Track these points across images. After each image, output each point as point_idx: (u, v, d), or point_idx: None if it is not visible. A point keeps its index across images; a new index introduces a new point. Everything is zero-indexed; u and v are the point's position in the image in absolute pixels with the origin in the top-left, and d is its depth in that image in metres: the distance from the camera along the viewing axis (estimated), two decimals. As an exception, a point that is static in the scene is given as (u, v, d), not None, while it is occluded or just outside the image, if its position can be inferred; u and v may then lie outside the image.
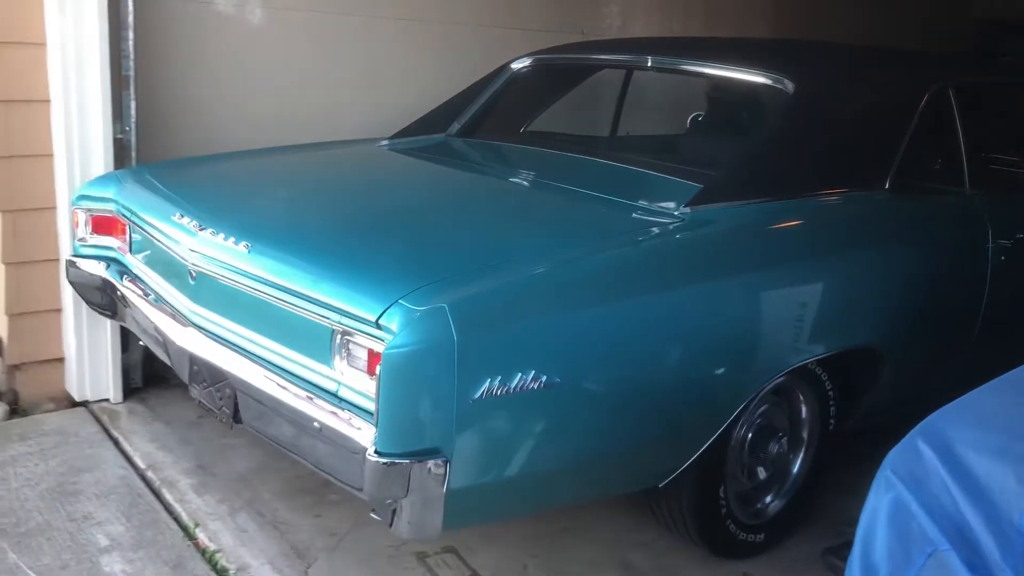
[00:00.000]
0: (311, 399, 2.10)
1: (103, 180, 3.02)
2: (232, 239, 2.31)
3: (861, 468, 2.95)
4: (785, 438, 2.61)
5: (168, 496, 2.79)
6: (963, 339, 2.95)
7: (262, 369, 2.24)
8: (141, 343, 2.97)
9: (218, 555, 2.51)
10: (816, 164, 2.70)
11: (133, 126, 3.30)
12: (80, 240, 2.98)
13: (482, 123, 3.47)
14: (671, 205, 2.43)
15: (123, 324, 2.98)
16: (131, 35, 3.25)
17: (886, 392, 2.72)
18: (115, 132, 3.24)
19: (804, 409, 2.65)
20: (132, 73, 3.27)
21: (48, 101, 3.21)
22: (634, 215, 2.50)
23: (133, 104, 3.29)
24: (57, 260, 3.26)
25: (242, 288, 2.28)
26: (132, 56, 3.26)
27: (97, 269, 2.93)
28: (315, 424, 2.04)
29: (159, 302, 2.65)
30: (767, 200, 2.53)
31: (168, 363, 2.64)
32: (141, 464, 2.97)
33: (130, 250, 2.90)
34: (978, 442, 1.42)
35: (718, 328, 2.24)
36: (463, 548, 2.56)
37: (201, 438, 3.14)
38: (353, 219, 2.56)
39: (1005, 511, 1.32)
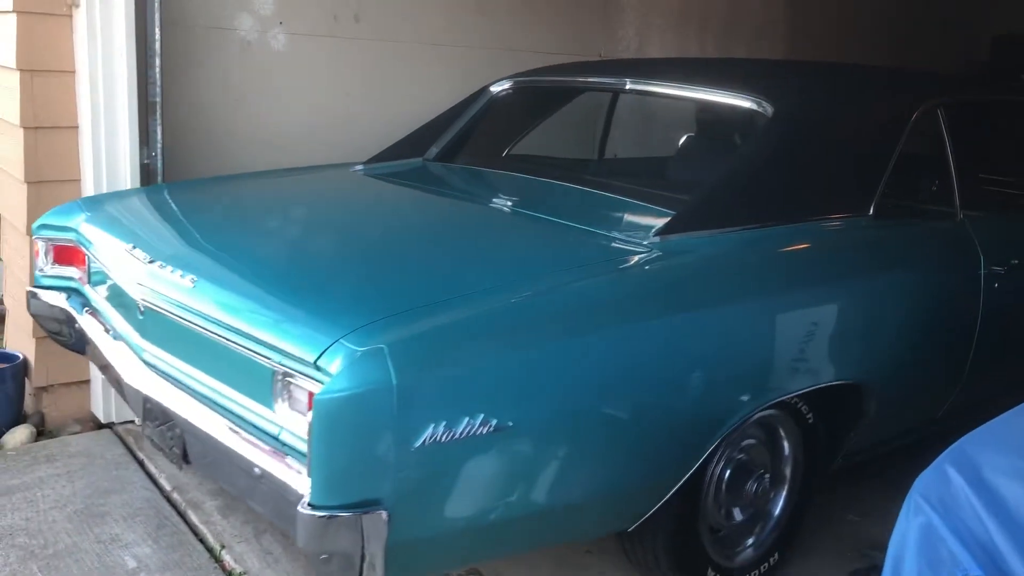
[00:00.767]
0: (253, 444, 2.00)
1: (64, 209, 2.91)
2: (179, 272, 2.22)
3: (886, 491, 2.96)
4: (767, 476, 2.49)
5: (194, 518, 2.82)
6: (954, 372, 2.84)
7: (207, 410, 2.15)
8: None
9: (244, 577, 2.53)
10: (795, 189, 2.58)
11: (159, 151, 3.35)
12: (40, 271, 2.87)
13: (461, 147, 3.39)
14: (641, 234, 2.33)
15: (86, 357, 2.88)
16: (158, 61, 3.31)
17: (871, 429, 2.62)
18: (142, 157, 3.29)
19: (787, 446, 2.55)
20: (159, 99, 3.33)
21: (77, 127, 3.27)
22: (601, 246, 2.38)
23: (159, 129, 3.34)
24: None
25: (187, 324, 2.17)
26: (159, 82, 3.32)
27: (58, 300, 2.82)
28: (256, 470, 1.95)
29: (116, 337, 2.55)
30: (742, 228, 2.42)
31: (125, 400, 2.55)
32: (167, 486, 3.00)
33: (89, 281, 2.79)
34: (1007, 467, 1.42)
35: (685, 364, 2.13)
36: (488, 570, 2.57)
37: (225, 459, 3.17)
38: (307, 251, 2.47)
39: (1035, 537, 1.32)
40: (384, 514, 1.72)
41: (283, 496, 1.85)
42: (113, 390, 3.12)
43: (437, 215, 2.90)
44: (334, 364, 1.73)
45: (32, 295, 2.88)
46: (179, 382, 2.26)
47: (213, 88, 3.66)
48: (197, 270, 2.22)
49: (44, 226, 2.87)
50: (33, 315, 2.94)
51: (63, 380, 3.42)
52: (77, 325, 2.74)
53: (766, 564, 2.57)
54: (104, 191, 3.22)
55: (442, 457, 1.77)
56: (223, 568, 2.58)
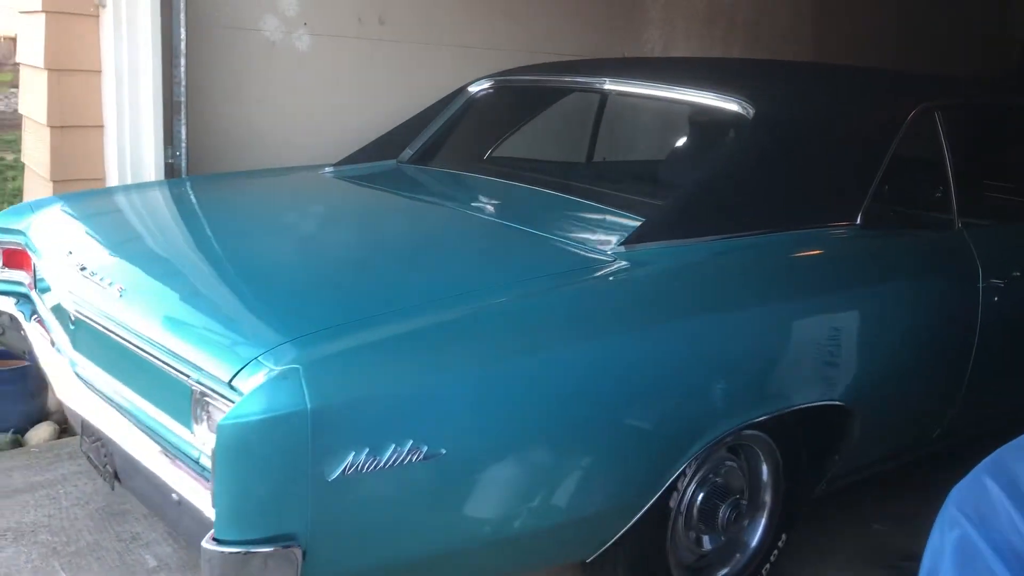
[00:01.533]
0: (174, 467, 1.85)
1: (15, 210, 2.80)
2: (107, 281, 2.10)
3: (913, 500, 2.91)
4: (743, 502, 2.31)
5: (214, 517, 2.81)
6: (949, 392, 2.67)
7: (134, 429, 2.00)
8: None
9: (264, 578, 2.52)
10: (775, 196, 2.41)
11: (184, 151, 3.36)
12: None
13: (437, 149, 3.24)
14: (605, 244, 2.18)
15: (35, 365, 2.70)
16: (183, 62, 3.32)
17: (858, 451, 2.46)
18: (166, 157, 3.31)
19: (765, 470, 2.37)
20: (183, 99, 3.34)
21: (102, 127, 3.29)
22: (561, 256, 2.21)
23: (184, 129, 3.36)
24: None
25: (113, 337, 2.04)
26: (183, 82, 3.33)
27: (6, 306, 2.67)
28: (174, 496, 1.81)
29: (56, 348, 2.40)
30: (714, 238, 2.25)
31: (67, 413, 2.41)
32: (187, 485, 2.99)
33: (36, 287, 2.61)
34: (1047, 478, 1.38)
35: (645, 384, 1.96)
36: None
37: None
38: (247, 260, 2.31)
39: (1076, 550, 1.28)
40: (298, 551, 1.57)
41: (201, 526, 1.68)
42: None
43: (396, 221, 2.71)
44: (247, 385, 1.60)
45: None
46: (108, 398, 2.12)
47: (237, 88, 3.67)
48: (126, 279, 2.10)
49: None
50: None
51: (86, 378, 3.43)
52: (23, 332, 2.61)
53: None
54: (128, 190, 3.22)
55: (365, 488, 1.62)
56: (243, 569, 2.57)
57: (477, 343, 1.81)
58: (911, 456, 2.81)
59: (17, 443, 3.24)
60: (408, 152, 3.21)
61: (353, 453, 1.59)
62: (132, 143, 3.25)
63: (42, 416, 3.40)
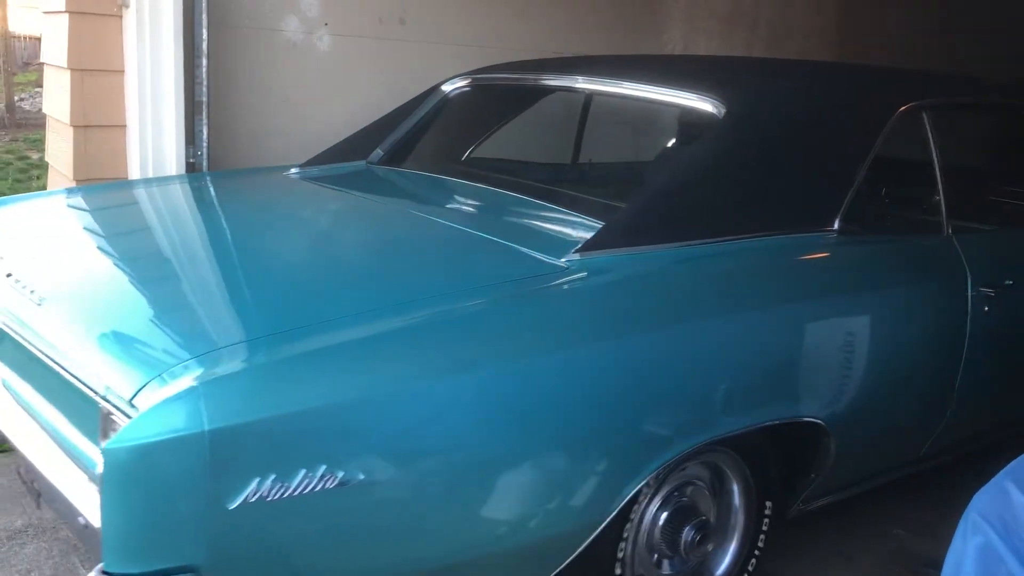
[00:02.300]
0: (81, 489, 1.73)
1: None
2: (29, 289, 1.99)
3: (934, 506, 2.88)
4: (709, 523, 2.17)
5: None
6: (937, 406, 2.52)
7: (52, 446, 1.88)
8: None
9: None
10: (745, 200, 2.27)
11: (205, 150, 3.39)
12: None
13: (409, 149, 3.12)
14: (560, 250, 2.04)
15: None
16: (204, 62, 3.34)
17: (837, 470, 2.32)
18: (188, 156, 3.33)
19: (736, 490, 2.25)
20: (205, 98, 3.36)
21: (125, 126, 3.31)
22: (511, 263, 2.07)
23: (205, 128, 3.38)
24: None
25: (31, 349, 1.92)
26: (205, 82, 3.35)
27: None
28: (80, 520, 1.69)
29: None
30: (678, 244, 2.11)
31: None
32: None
33: None
34: (1070, 485, 1.36)
35: (591, 401, 1.82)
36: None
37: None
38: (180, 269, 2.19)
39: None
40: None
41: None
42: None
43: (346, 227, 2.59)
44: (146, 405, 1.49)
45: None
46: (31, 412, 2.01)
47: (259, 88, 3.69)
48: (47, 289, 1.99)
49: None
50: None
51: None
52: None
53: None
54: (151, 189, 3.24)
55: (271, 517, 1.50)
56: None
57: (403, 360, 1.66)
58: (899, 473, 2.68)
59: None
60: (378, 153, 3.08)
61: (257, 479, 1.47)
62: (154, 142, 3.28)
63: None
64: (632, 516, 2.02)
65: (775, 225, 2.26)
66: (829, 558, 2.65)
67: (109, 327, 1.83)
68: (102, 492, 1.47)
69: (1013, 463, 1.47)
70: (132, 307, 1.96)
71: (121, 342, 1.76)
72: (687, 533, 2.11)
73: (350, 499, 1.56)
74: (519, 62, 3.30)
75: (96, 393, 1.67)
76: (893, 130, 2.48)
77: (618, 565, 2.02)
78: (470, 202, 2.73)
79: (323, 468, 1.52)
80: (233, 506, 1.46)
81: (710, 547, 2.18)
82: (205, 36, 3.32)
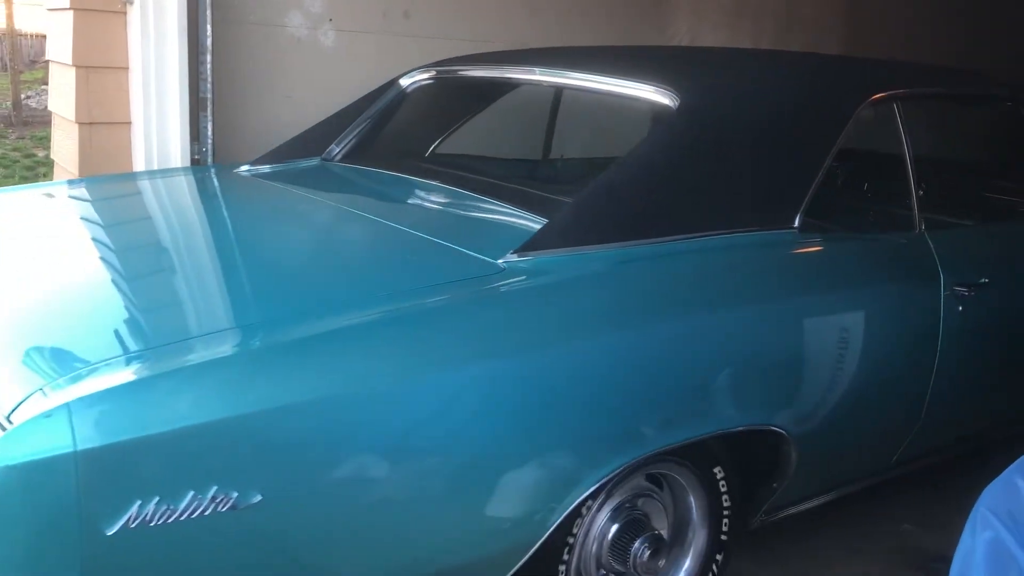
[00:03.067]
0: None
1: None
2: None
3: (942, 500, 2.86)
4: (662, 536, 2.08)
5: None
6: (908, 413, 2.43)
7: None
8: None
9: None
10: (699, 196, 2.16)
11: (210, 146, 3.38)
12: None
13: (367, 145, 2.99)
14: (497, 251, 1.93)
15: None
16: (209, 58, 3.34)
17: (801, 480, 2.23)
18: (193, 153, 3.33)
19: (692, 502, 2.15)
20: (209, 95, 3.36)
21: (129, 123, 3.31)
22: (441, 267, 1.96)
23: (210, 125, 3.37)
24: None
25: None
26: (210, 78, 3.35)
27: None
28: None
29: None
30: (626, 244, 2.00)
31: None
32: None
33: None
34: (1081, 479, 1.35)
35: (523, 411, 1.71)
36: None
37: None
38: (91, 275, 2.05)
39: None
40: None
41: None
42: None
43: (279, 228, 2.45)
44: (19, 421, 1.39)
45: None
46: None
47: (263, 84, 3.68)
48: None
49: None
50: None
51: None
52: None
53: None
54: (156, 186, 3.23)
55: (155, 543, 1.38)
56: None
57: (300, 374, 1.53)
58: (871, 481, 2.60)
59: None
60: (334, 148, 2.95)
61: (139, 503, 1.36)
62: (159, 139, 3.28)
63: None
64: (576, 531, 1.93)
65: (730, 223, 2.15)
66: (835, 553, 2.64)
67: (6, 338, 1.72)
68: None
69: (1022, 458, 1.46)
70: (35, 317, 1.82)
71: (13, 349, 1.64)
72: (637, 547, 2.01)
73: (246, 522, 1.44)
74: (478, 54, 3.19)
75: None
76: (861, 122, 2.38)
77: None
78: (420, 200, 2.60)
79: (214, 489, 1.40)
80: (111, 531, 1.35)
81: (661, 562, 2.07)
82: (209, 32, 3.32)
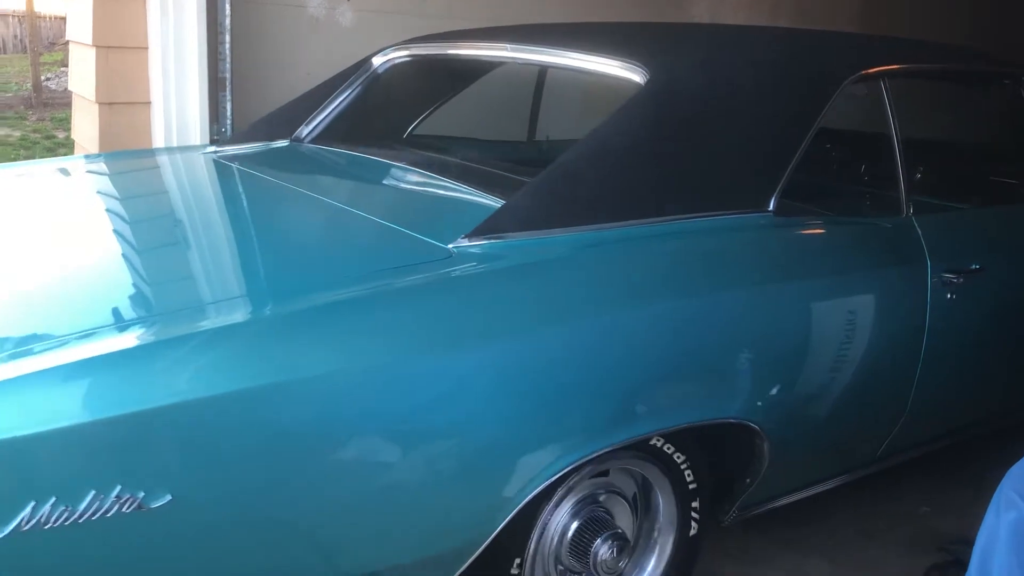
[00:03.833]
0: None
1: None
2: None
3: (959, 483, 2.85)
4: (625, 536, 1.98)
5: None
6: (892, 405, 2.32)
7: None
8: None
9: None
10: (667, 177, 2.04)
11: (229, 126, 3.39)
12: None
13: (339, 126, 2.87)
14: (448, 235, 1.82)
15: None
16: (228, 38, 3.34)
17: (777, 475, 2.14)
18: (212, 133, 3.34)
19: (658, 497, 2.06)
20: (228, 75, 3.36)
21: (149, 103, 3.32)
22: (390, 251, 1.87)
23: (229, 105, 3.38)
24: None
25: None
26: (229, 58, 3.35)
27: None
28: None
29: None
30: (587, 228, 1.88)
31: None
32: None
33: None
34: (1105, 461, 1.34)
35: (467, 405, 1.61)
36: None
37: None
38: (24, 264, 1.91)
39: None
40: None
41: None
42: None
43: (230, 211, 2.35)
44: None
45: None
46: None
47: (282, 64, 3.68)
48: None
49: None
50: None
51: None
52: None
53: None
54: (175, 166, 3.23)
55: (52, 547, 1.30)
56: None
57: (219, 365, 1.43)
58: (854, 476, 2.49)
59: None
60: (304, 130, 2.83)
61: (34, 503, 1.27)
62: (179, 119, 3.29)
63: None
64: (534, 530, 1.85)
65: (699, 206, 2.03)
66: (851, 537, 2.64)
67: None
68: None
69: (1047, 439, 1.45)
70: None
71: None
72: (598, 546, 1.92)
73: (155, 524, 1.35)
74: (452, 32, 3.07)
75: None
76: (846, 101, 2.27)
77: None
78: (385, 183, 2.49)
79: (118, 488, 1.31)
80: (3, 534, 1.27)
81: (623, 563, 1.98)
82: (228, 12, 3.32)
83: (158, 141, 3.31)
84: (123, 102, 3.31)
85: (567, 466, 1.74)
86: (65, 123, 8.14)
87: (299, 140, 2.82)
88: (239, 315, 1.57)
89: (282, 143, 2.81)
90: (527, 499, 1.70)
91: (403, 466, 1.57)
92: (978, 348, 2.46)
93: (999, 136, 3.48)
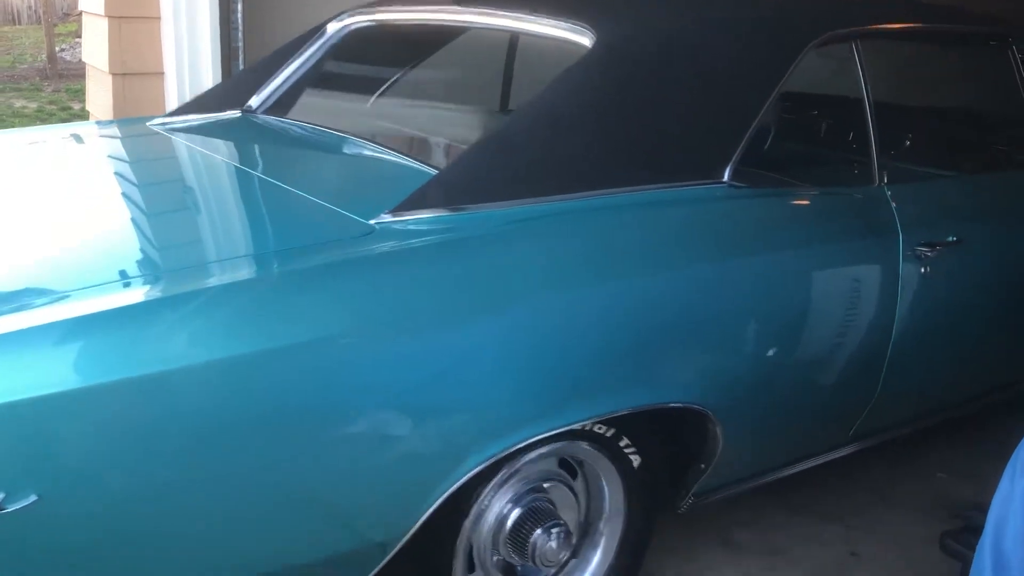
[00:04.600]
0: None
1: None
2: None
3: (977, 450, 2.84)
4: (567, 527, 1.87)
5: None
6: (862, 385, 2.20)
7: None
8: None
9: None
10: (613, 147, 1.90)
11: (242, 96, 3.38)
12: None
13: (293, 96, 2.70)
14: (374, 210, 1.69)
15: None
16: (240, 7, 3.33)
17: (735, 461, 2.04)
18: (225, 103, 3.33)
19: (604, 485, 1.97)
20: (241, 44, 3.36)
21: (162, 73, 3.32)
22: (308, 227, 1.74)
23: (242, 75, 3.37)
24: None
25: None
26: (241, 28, 3.34)
27: None
28: None
29: None
30: (524, 201, 1.75)
31: None
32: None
33: None
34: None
35: (383, 393, 1.50)
36: None
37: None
38: None
39: None
40: None
41: None
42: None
43: (145, 189, 2.20)
44: None
45: None
46: None
47: (294, 33, 3.66)
48: None
49: None
50: None
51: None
52: None
53: None
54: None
55: None
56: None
57: (99, 351, 1.31)
58: (827, 457, 2.38)
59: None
60: (256, 100, 2.65)
61: None
62: (192, 89, 3.28)
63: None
64: (465, 520, 1.75)
65: (647, 177, 1.90)
66: (872, 502, 2.65)
67: None
68: None
69: (1064, 405, 1.44)
70: None
71: None
72: (537, 537, 1.82)
73: (19, 527, 1.25)
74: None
75: None
76: (813, 63, 2.14)
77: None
78: (326, 155, 2.37)
79: None
80: None
81: (563, 554, 1.87)
82: (240, -19, 3.31)
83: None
84: (136, 73, 3.31)
85: (485, 460, 1.62)
86: (80, 94, 8.15)
87: (251, 111, 2.65)
88: (127, 299, 1.41)
89: (233, 114, 2.65)
90: (445, 496, 1.59)
91: (309, 460, 1.45)
92: (956, 324, 2.33)
93: (984, 101, 3.24)
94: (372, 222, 1.67)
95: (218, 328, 1.40)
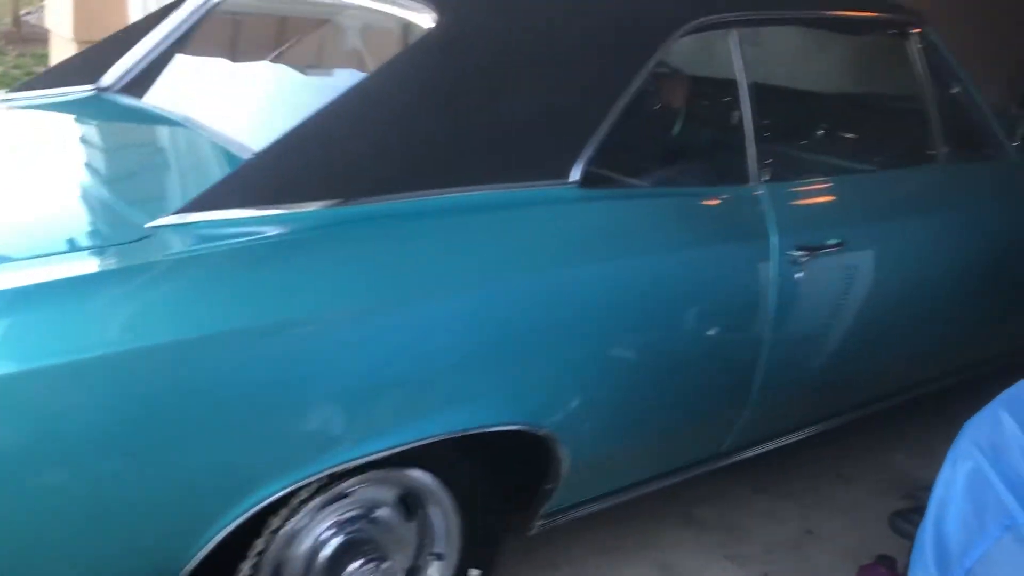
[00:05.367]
0: None
1: None
2: None
3: (939, 430, 2.91)
4: (386, 558, 1.75)
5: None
6: (732, 396, 2.10)
7: None
8: None
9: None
10: (443, 141, 1.71)
11: (209, 67, 3.33)
12: None
13: (152, 73, 2.44)
14: (158, 211, 1.51)
15: None
16: (208, -25, 3.26)
17: (588, 480, 1.93)
18: (192, 73, 3.29)
19: (432, 515, 1.83)
20: (208, 13, 3.29)
21: (128, 41, 3.27)
22: (70, 231, 1.55)
23: (209, 44, 3.31)
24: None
25: None
26: (209, -3, 3.27)
27: None
28: None
29: None
30: (336, 203, 1.56)
31: None
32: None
33: None
34: (1063, 414, 1.37)
35: (136, 421, 1.34)
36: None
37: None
38: None
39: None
40: None
41: None
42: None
43: None
44: None
45: None
46: None
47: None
48: None
49: None
50: None
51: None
52: None
53: None
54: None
55: None
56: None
57: None
58: (703, 468, 2.26)
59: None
60: (110, 77, 2.42)
61: None
62: (158, 58, 3.23)
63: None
64: (255, 559, 1.59)
65: (483, 177, 1.72)
66: (829, 481, 2.70)
67: None
68: None
69: (1008, 391, 1.48)
70: None
71: None
72: (355, 571, 1.70)
73: None
74: None
75: None
76: (686, 51, 2.01)
77: None
78: (150, 145, 2.18)
79: None
80: None
81: None
82: (208, -52, 3.24)
83: (138, 81, 3.26)
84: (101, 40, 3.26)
85: (256, 503, 1.46)
86: (45, 59, 8.00)
87: (104, 88, 2.42)
88: None
89: (84, 91, 2.41)
90: (219, 536, 1.46)
91: (77, 483, 1.33)
92: (840, 330, 2.22)
93: (879, 94, 3.04)
94: (148, 225, 1.47)
95: None
